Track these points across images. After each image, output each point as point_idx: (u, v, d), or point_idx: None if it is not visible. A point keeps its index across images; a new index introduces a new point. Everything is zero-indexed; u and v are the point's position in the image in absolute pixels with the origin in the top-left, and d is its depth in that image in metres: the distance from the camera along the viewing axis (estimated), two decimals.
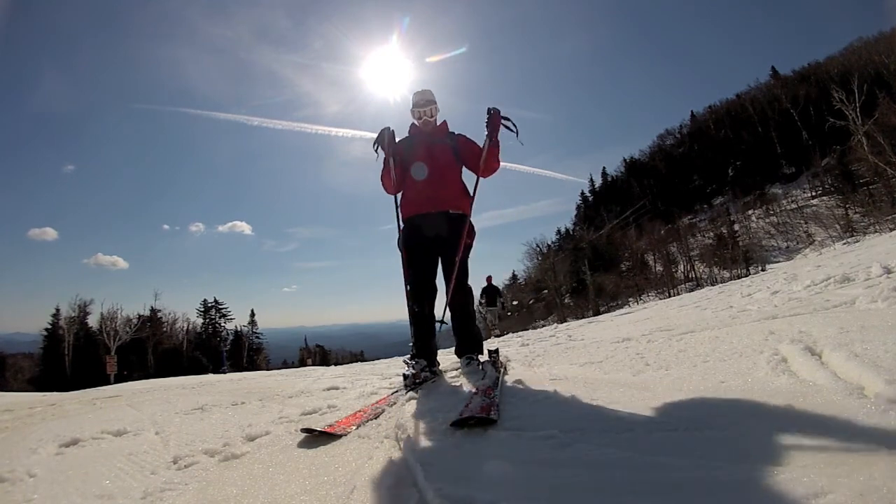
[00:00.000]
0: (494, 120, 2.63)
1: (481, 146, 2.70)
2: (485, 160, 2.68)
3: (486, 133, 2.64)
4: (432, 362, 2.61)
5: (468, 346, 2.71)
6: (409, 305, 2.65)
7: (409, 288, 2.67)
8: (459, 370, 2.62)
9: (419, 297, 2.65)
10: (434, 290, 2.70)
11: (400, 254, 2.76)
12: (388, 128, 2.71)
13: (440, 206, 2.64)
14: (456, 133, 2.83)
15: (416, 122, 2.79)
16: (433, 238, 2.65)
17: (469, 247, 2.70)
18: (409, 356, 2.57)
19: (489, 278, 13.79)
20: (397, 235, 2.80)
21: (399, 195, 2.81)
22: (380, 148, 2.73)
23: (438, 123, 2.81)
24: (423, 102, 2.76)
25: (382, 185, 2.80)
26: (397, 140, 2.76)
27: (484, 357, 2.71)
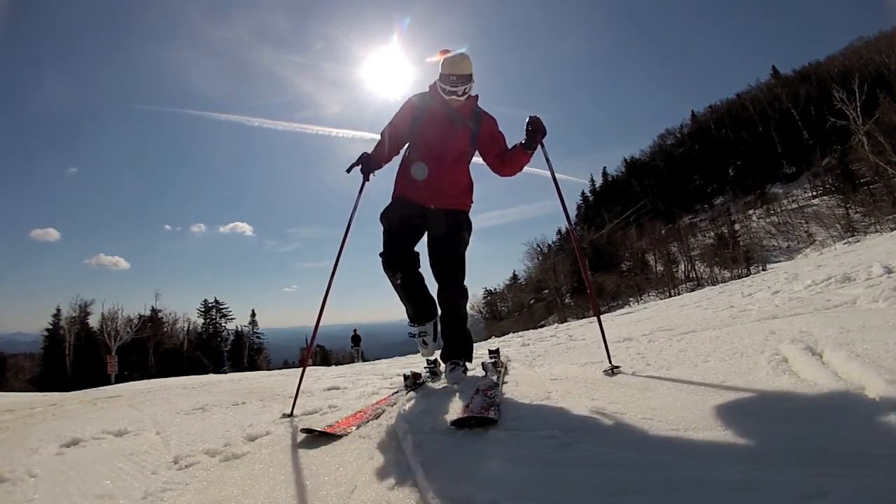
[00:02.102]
0: (536, 129, 2.26)
1: (503, 136, 2.41)
2: (512, 167, 2.39)
3: (524, 140, 2.29)
4: (435, 317, 2.47)
5: (456, 350, 2.41)
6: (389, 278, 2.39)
7: (381, 255, 2.36)
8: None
9: (393, 262, 2.33)
10: (413, 255, 2.38)
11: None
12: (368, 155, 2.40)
13: (440, 202, 2.38)
14: (483, 113, 2.40)
15: (442, 95, 2.29)
16: (422, 222, 2.41)
17: (465, 242, 2.46)
18: (408, 321, 2.46)
19: (355, 330, 19.20)
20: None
21: (400, 164, 2.48)
22: (358, 170, 2.39)
23: (472, 95, 2.35)
24: (456, 80, 2.21)
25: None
26: (415, 94, 2.43)
27: (471, 365, 2.54)
